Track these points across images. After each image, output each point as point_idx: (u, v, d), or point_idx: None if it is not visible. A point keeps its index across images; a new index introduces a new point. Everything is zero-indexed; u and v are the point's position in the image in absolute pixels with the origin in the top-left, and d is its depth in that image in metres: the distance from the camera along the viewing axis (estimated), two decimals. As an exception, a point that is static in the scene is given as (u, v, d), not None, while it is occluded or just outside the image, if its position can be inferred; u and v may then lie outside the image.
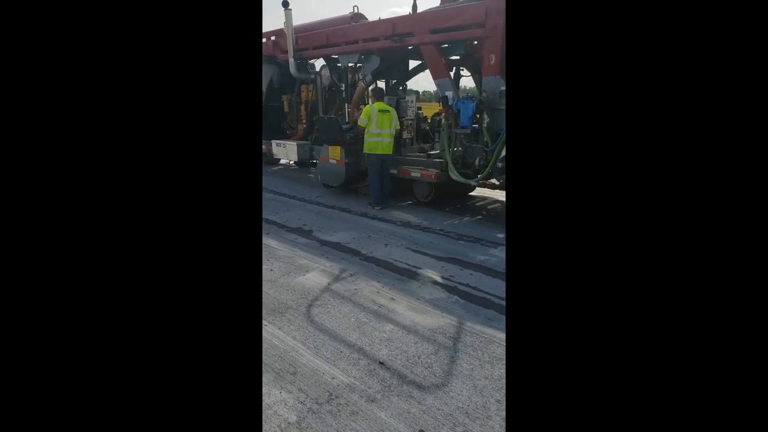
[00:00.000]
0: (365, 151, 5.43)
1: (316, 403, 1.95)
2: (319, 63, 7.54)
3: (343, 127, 6.13)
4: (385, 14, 6.92)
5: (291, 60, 7.18)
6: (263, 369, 2.19)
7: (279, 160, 8.71)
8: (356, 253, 3.91)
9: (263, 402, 1.95)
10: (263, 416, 1.86)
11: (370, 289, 3.14)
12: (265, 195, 6.28)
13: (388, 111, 5.36)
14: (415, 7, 5.84)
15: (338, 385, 2.07)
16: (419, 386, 2.08)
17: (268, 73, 7.95)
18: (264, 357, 2.29)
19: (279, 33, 7.70)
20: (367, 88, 6.59)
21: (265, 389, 2.04)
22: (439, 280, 3.34)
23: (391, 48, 5.79)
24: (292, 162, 8.60)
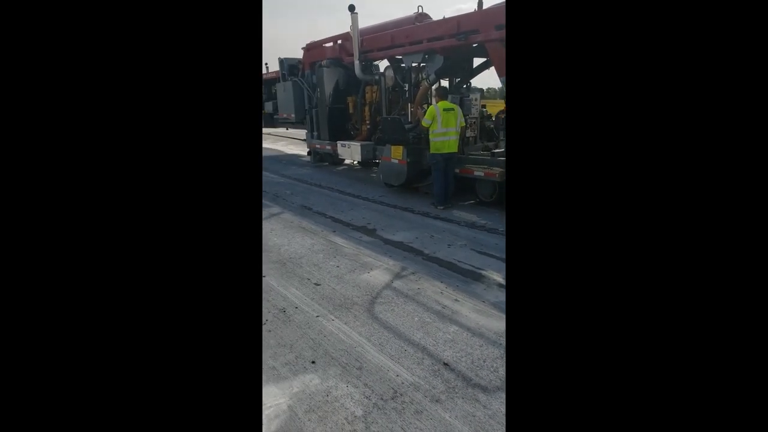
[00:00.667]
0: (431, 151, 5.41)
1: (381, 399, 1.99)
2: (383, 64, 7.67)
3: (406, 126, 6.17)
4: (450, 12, 6.77)
5: (356, 62, 7.36)
6: (330, 362, 2.27)
7: (343, 160, 8.95)
8: (419, 252, 3.92)
9: (330, 394, 2.03)
10: (329, 409, 1.94)
11: (433, 290, 3.14)
12: (330, 194, 6.50)
13: (453, 109, 5.30)
14: (480, 3, 5.71)
15: (403, 383, 2.10)
16: (485, 390, 2.04)
17: (334, 76, 8.20)
18: (331, 350, 2.38)
19: (345, 36, 7.91)
20: (431, 88, 6.58)
21: (331, 382, 2.12)
22: (505, 283, 3.25)
23: (455, 46, 5.72)
24: (355, 162, 8.80)
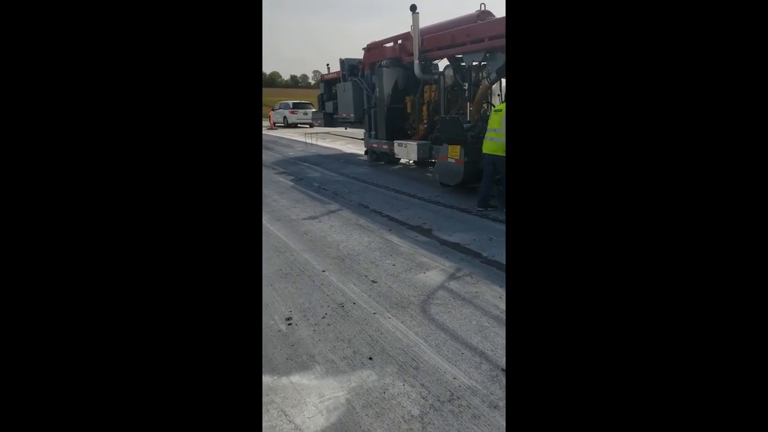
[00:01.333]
0: (482, 151, 5.37)
1: (438, 400, 1.99)
2: (443, 64, 7.61)
3: (465, 126, 6.09)
4: None
5: (416, 62, 7.36)
6: (387, 359, 2.30)
7: (399, 159, 9.01)
8: (477, 255, 3.85)
9: (387, 391, 2.05)
10: (386, 405, 1.96)
11: (491, 294, 3.07)
12: (386, 193, 6.55)
13: (501, 110, 5.14)
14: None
15: (460, 386, 2.08)
16: (546, 401, 1.97)
17: (393, 76, 8.27)
18: (388, 348, 2.41)
19: (405, 36, 7.93)
20: (491, 87, 6.44)
21: (388, 379, 2.14)
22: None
23: None
24: (411, 161, 8.82)
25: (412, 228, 4.72)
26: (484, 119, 6.55)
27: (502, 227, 4.65)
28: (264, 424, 1.86)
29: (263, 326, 2.69)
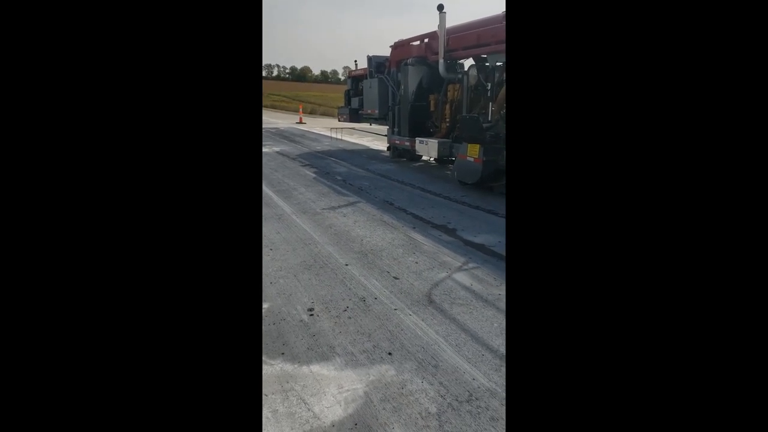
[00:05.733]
0: None
1: (456, 400, 1.98)
2: (468, 63, 7.57)
3: (484, 125, 6.10)
4: None
5: (441, 60, 7.35)
6: (406, 355, 2.30)
7: (420, 156, 9.05)
8: (501, 257, 3.80)
9: (405, 387, 2.06)
10: (404, 401, 1.97)
11: (514, 297, 3.02)
12: (412, 191, 6.54)
13: None
14: None
15: (479, 388, 2.06)
16: (567, 408, 1.93)
17: (418, 74, 8.30)
18: (407, 344, 2.42)
19: (432, 36, 7.92)
20: None
21: (407, 375, 2.15)
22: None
23: None
24: (432, 159, 8.82)
25: (437, 227, 4.70)
26: (505, 119, 6.49)
27: (528, 231, 4.58)
28: (283, 410, 1.90)
29: (285, 315, 2.74)
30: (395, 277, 3.34)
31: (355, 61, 11.93)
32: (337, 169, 8.37)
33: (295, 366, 2.22)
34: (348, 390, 2.04)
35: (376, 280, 3.30)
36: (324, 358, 2.30)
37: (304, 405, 1.94)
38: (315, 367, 2.21)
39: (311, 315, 2.75)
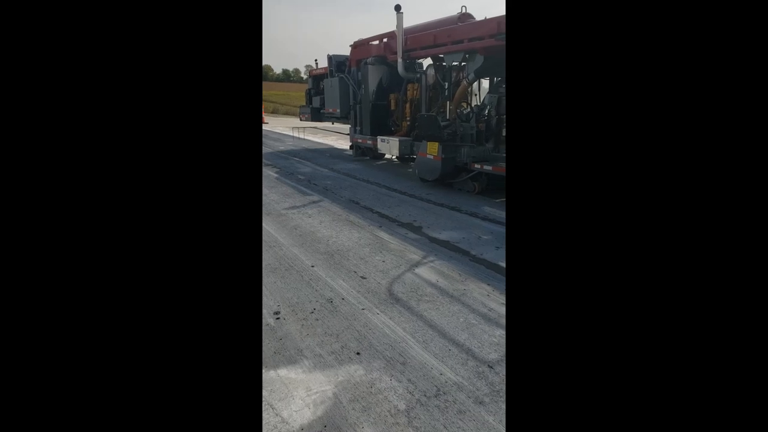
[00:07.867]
0: None
1: (425, 395, 2.01)
2: (427, 62, 7.73)
3: (441, 124, 6.29)
4: (494, 12, 6.83)
5: (399, 60, 7.46)
6: (374, 354, 2.31)
7: (383, 154, 9.12)
8: (465, 253, 3.88)
9: (374, 386, 2.07)
10: (373, 400, 1.97)
11: (480, 291, 3.10)
12: (377, 189, 6.56)
13: None
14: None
15: (446, 382, 2.10)
16: (531, 397, 2.00)
17: (378, 74, 8.39)
18: (375, 343, 2.42)
19: (390, 35, 8.01)
20: (469, 87, 6.64)
21: (375, 374, 2.15)
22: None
23: (495, 46, 5.71)
24: (394, 157, 8.91)
25: (403, 225, 4.73)
26: (462, 118, 6.71)
27: (492, 226, 4.70)
28: (250, 417, 1.86)
29: (251, 320, 2.67)
30: (362, 277, 3.34)
31: (316, 60, 11.82)
32: (300, 169, 8.27)
33: (262, 371, 2.18)
34: (316, 392, 2.03)
35: (343, 280, 3.28)
36: (291, 361, 2.27)
37: (271, 410, 1.91)
38: (282, 371, 2.18)
39: (277, 319, 2.71)
